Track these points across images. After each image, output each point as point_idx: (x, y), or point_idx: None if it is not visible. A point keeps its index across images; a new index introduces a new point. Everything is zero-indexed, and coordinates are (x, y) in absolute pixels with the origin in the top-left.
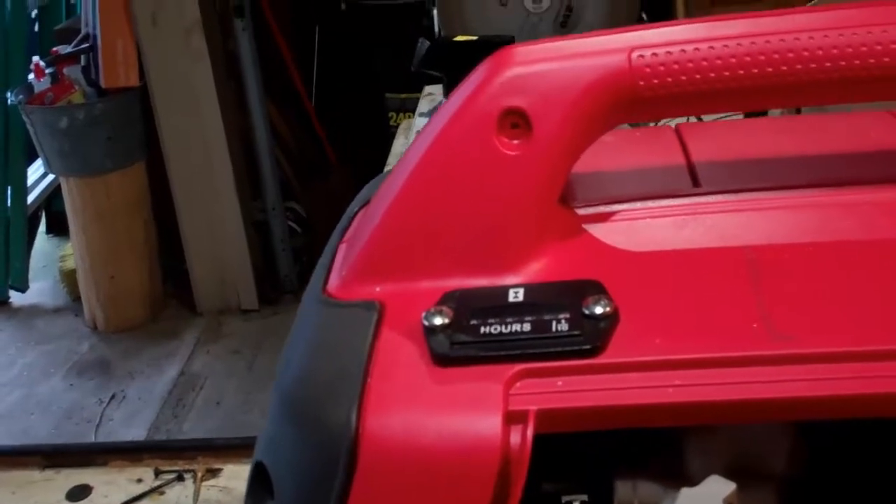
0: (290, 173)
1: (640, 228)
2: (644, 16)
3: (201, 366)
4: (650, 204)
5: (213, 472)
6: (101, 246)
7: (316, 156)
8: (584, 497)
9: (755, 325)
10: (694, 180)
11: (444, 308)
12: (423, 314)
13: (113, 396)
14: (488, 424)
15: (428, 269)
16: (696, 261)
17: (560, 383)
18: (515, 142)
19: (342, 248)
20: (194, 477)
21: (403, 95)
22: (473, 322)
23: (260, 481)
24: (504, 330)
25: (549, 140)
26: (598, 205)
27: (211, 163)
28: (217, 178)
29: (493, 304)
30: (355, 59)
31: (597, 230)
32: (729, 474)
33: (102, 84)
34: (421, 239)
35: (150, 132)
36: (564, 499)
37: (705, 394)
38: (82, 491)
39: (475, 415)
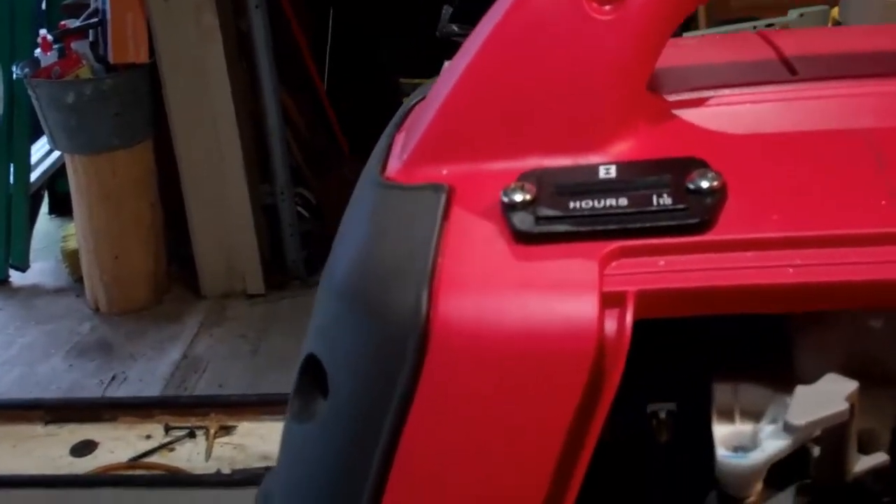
0: (301, 159)
1: (739, 113)
2: None
3: (204, 349)
4: (747, 90)
5: (227, 430)
6: (106, 226)
7: (327, 143)
8: (672, 406)
9: (884, 203)
10: (790, 70)
11: (526, 184)
12: (502, 191)
13: (114, 377)
14: (582, 306)
15: (502, 147)
16: (809, 142)
17: (662, 263)
18: (607, 7)
19: (400, 136)
20: (206, 434)
21: (418, 80)
22: (561, 198)
23: (310, 377)
24: (597, 205)
25: (642, 5)
26: (689, 91)
27: (220, 144)
28: (225, 160)
29: (582, 180)
30: (369, 43)
31: (691, 115)
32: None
33: (111, 59)
34: (495, 114)
35: (158, 111)
36: (650, 407)
37: (831, 274)
38: (87, 446)
39: (566, 296)
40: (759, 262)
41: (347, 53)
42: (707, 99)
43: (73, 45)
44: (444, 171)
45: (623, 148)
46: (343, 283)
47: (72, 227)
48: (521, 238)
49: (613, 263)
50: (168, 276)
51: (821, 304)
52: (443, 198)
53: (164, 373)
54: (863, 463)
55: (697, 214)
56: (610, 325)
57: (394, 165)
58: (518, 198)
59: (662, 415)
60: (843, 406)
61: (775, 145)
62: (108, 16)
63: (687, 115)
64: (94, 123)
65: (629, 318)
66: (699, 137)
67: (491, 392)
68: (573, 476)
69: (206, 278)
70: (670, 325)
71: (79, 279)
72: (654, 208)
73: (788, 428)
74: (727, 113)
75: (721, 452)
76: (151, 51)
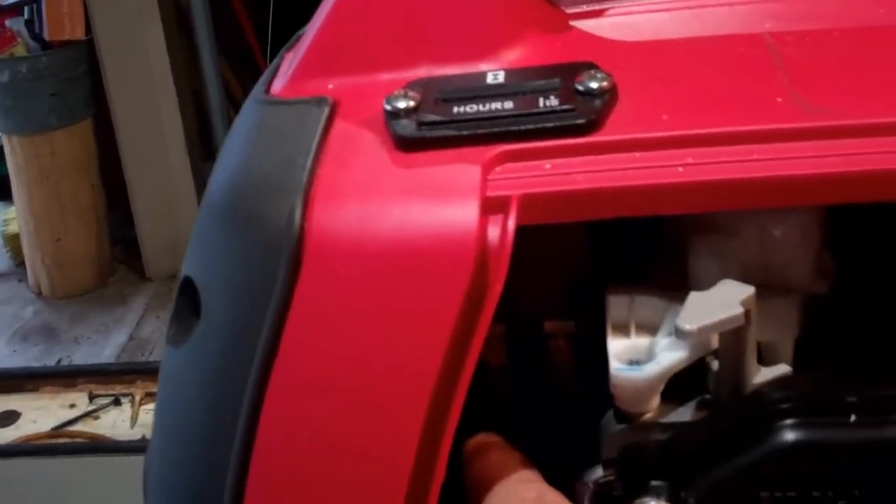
0: None
1: (637, 23)
2: None
3: (151, 331)
4: (645, 1)
5: (153, 396)
6: (46, 208)
7: None
8: (570, 325)
9: (780, 99)
10: None
11: (410, 92)
12: (385, 98)
13: (59, 361)
14: (462, 212)
15: (390, 58)
16: (705, 46)
17: (548, 166)
18: None
19: (288, 56)
20: (132, 401)
21: None
22: (445, 104)
23: (187, 300)
24: (482, 109)
25: None
26: (589, 3)
27: (160, 121)
28: (167, 138)
29: (468, 85)
30: (312, 15)
31: (588, 25)
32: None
33: (46, 37)
34: (381, 24)
35: (97, 89)
36: (549, 328)
37: (723, 172)
38: (9, 417)
39: (446, 202)
40: (648, 162)
41: (290, 26)
42: (605, 10)
43: (8, 22)
44: (330, 86)
45: (514, 56)
46: (217, 199)
47: (12, 211)
48: (403, 145)
49: (498, 168)
50: (112, 258)
51: (711, 205)
52: (325, 110)
53: (110, 356)
54: (763, 375)
55: (584, 115)
56: (493, 232)
57: (278, 83)
58: (401, 105)
59: (561, 336)
60: (738, 310)
61: (670, 50)
62: None
63: (584, 25)
64: (31, 102)
65: (512, 224)
66: (593, 44)
67: (368, 300)
68: (458, 386)
69: (150, 260)
70: (565, 240)
71: (21, 263)
72: (539, 110)
73: (680, 333)
74: (625, 23)
75: (615, 366)
76: (88, 27)
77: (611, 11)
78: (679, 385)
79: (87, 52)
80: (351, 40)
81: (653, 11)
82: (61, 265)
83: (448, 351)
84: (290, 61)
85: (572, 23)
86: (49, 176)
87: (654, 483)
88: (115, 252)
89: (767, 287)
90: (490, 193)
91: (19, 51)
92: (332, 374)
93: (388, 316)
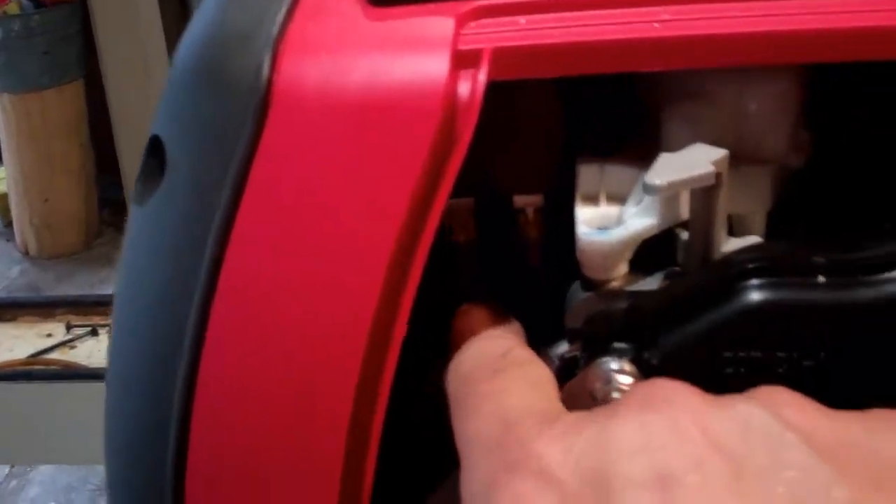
0: None
1: None
2: None
3: None
4: None
5: None
6: (36, 168)
7: None
8: (539, 199)
9: None
10: None
11: None
12: None
13: None
14: (432, 63)
15: None
16: None
17: (523, 21)
18: None
19: None
20: (109, 331)
21: None
22: None
23: (153, 159)
24: None
25: None
26: None
27: (151, 84)
28: (157, 101)
29: None
30: None
31: None
32: None
33: None
34: None
35: (88, 51)
36: (517, 202)
37: (699, 27)
38: None
39: (416, 55)
40: (624, 18)
41: None
42: None
43: None
44: None
45: None
46: (187, 55)
47: (1, 171)
48: None
49: (472, 23)
50: (100, 221)
51: (686, 62)
52: None
53: None
54: (732, 244)
55: None
56: (464, 86)
57: None
58: None
59: (530, 211)
60: (709, 169)
61: None
62: None
63: None
64: (23, 61)
65: (482, 77)
66: None
67: (334, 151)
68: (424, 232)
69: None
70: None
71: (9, 224)
72: None
73: (648, 188)
74: None
75: (582, 230)
76: None
77: None
78: (648, 259)
79: (79, 12)
80: None
81: None
82: (49, 226)
83: (413, 201)
84: None
85: None
86: (39, 136)
87: (616, 345)
88: (103, 214)
89: (741, 157)
90: (462, 47)
91: (12, 9)
92: (294, 225)
93: (353, 166)
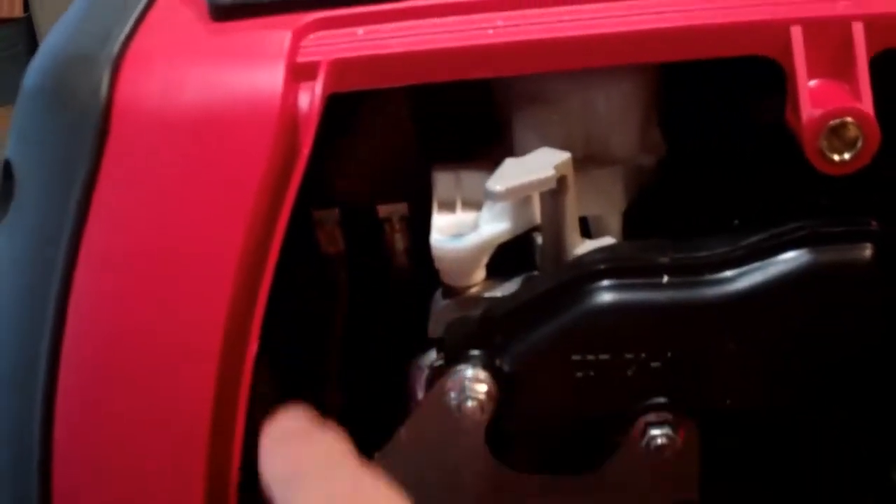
0: None
1: None
2: None
3: None
4: None
5: None
6: None
7: None
8: (404, 207)
9: None
10: None
11: None
12: None
13: None
14: (267, 77)
15: None
16: None
17: (361, 32)
18: None
19: None
20: None
21: None
22: None
23: (6, 181)
24: None
25: None
26: None
27: None
28: None
29: None
30: None
31: None
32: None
33: None
34: None
35: None
36: (381, 210)
37: (530, 33)
38: None
39: (252, 67)
40: (460, 26)
41: None
42: None
43: None
44: None
45: None
46: (34, 78)
47: None
48: (217, 14)
49: (311, 35)
50: None
51: (519, 67)
52: None
53: None
54: (586, 246)
55: None
56: (303, 98)
57: None
58: None
59: (396, 219)
60: (549, 172)
61: None
62: None
63: None
64: None
65: (319, 89)
66: None
67: (173, 168)
68: (271, 243)
69: None
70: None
71: None
72: None
73: (489, 195)
74: None
75: (436, 237)
76: (26, 5)
77: None
78: (508, 264)
79: (26, 30)
80: None
81: None
82: None
83: (255, 213)
84: None
85: None
86: None
87: (471, 353)
88: None
89: (591, 159)
90: (300, 59)
91: None
92: (137, 247)
93: (193, 180)
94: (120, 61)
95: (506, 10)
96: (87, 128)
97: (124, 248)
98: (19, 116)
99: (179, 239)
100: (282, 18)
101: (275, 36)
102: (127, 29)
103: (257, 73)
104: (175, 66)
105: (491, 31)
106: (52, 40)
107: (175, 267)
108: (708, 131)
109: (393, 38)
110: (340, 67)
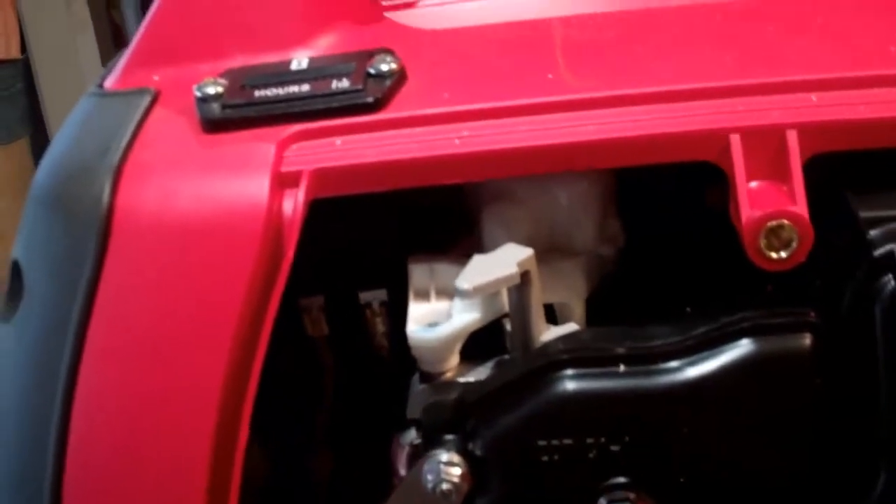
0: None
1: (443, 13)
2: None
3: None
4: None
5: None
6: None
7: None
8: (383, 293)
9: (550, 76)
10: None
11: (220, 79)
12: (195, 86)
13: None
14: (254, 186)
15: (210, 49)
16: (496, 32)
17: (339, 143)
18: None
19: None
20: None
21: None
22: (249, 88)
23: (16, 281)
24: (280, 92)
25: None
26: None
27: None
28: None
29: (273, 71)
30: None
31: (398, 16)
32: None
33: None
34: (201, 18)
35: (33, 106)
36: (362, 296)
37: (494, 142)
38: None
39: (239, 177)
40: (429, 136)
41: None
42: (418, 1)
43: None
44: (156, 77)
45: (325, 45)
46: (40, 185)
47: None
48: (208, 126)
49: (294, 146)
50: None
51: (482, 173)
52: (146, 99)
53: None
54: (552, 333)
55: (372, 94)
56: (287, 204)
57: (111, 77)
58: (210, 91)
59: (376, 304)
60: (513, 270)
61: (465, 36)
62: None
63: (396, 16)
64: None
65: (301, 196)
66: (397, 33)
67: (168, 272)
68: (259, 340)
69: None
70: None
71: None
72: (332, 91)
73: (459, 293)
74: (432, 14)
75: (411, 328)
76: (23, 46)
77: (422, 3)
78: (479, 346)
79: (22, 70)
80: (174, 35)
81: (461, 2)
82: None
83: (243, 314)
84: (123, 57)
85: (387, 14)
86: None
87: (446, 437)
88: None
89: (555, 251)
90: (283, 169)
91: None
92: (137, 343)
93: (185, 285)
94: (119, 172)
95: (470, 120)
96: (89, 234)
97: (126, 343)
98: (27, 220)
99: (176, 334)
100: (267, 130)
101: (261, 148)
102: (125, 141)
103: (245, 182)
104: (170, 177)
105: (457, 142)
106: (56, 148)
107: (172, 359)
108: (661, 221)
109: (368, 148)
110: (321, 176)
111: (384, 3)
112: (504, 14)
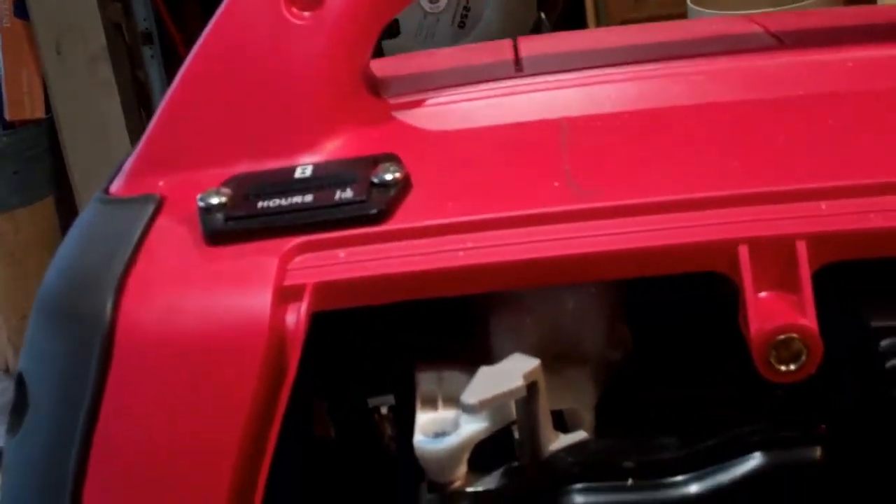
0: None
1: (451, 111)
2: (542, 15)
3: None
4: (465, 89)
5: None
6: (11, 286)
7: None
8: (391, 398)
9: (557, 183)
10: (517, 67)
11: (224, 189)
12: (199, 196)
13: None
14: (257, 301)
15: (215, 156)
16: (503, 134)
17: (342, 255)
18: (306, 13)
19: (130, 157)
20: None
21: None
22: (252, 198)
23: (20, 393)
24: (284, 203)
25: (340, 8)
26: (412, 94)
27: None
28: None
29: (277, 180)
30: None
31: (405, 116)
32: (541, 357)
33: (7, 117)
34: (205, 123)
35: (58, 167)
36: (371, 402)
37: (498, 254)
38: None
39: (243, 292)
40: (432, 248)
41: None
42: (425, 100)
43: None
44: (161, 183)
45: (332, 147)
46: (45, 295)
47: None
48: (211, 239)
49: (297, 259)
50: None
51: (487, 286)
52: (151, 207)
53: None
54: (560, 441)
55: (375, 206)
56: (290, 318)
57: (117, 182)
58: (214, 201)
59: (384, 409)
60: (519, 383)
61: (471, 138)
62: (2, 73)
63: (403, 115)
64: None
65: (304, 310)
66: (404, 135)
67: (173, 388)
68: (263, 454)
69: None
70: (381, 319)
71: None
72: (335, 202)
73: (465, 407)
74: (439, 112)
75: (418, 438)
76: (47, 106)
77: (429, 101)
78: (489, 454)
79: (47, 130)
80: (179, 140)
81: (468, 100)
82: None
83: (246, 430)
84: (129, 162)
85: (393, 113)
86: (13, 254)
87: None
88: None
89: (562, 358)
90: (287, 283)
91: None
92: (142, 461)
93: (190, 402)
94: (123, 285)
95: (474, 231)
96: (92, 349)
97: (130, 458)
98: (32, 331)
99: (181, 447)
100: (270, 243)
101: (263, 261)
102: (128, 252)
103: (247, 297)
104: (173, 291)
105: (461, 253)
106: (61, 256)
107: (176, 479)
108: (671, 326)
109: (371, 260)
110: (324, 289)
111: (391, 102)
112: (513, 113)
